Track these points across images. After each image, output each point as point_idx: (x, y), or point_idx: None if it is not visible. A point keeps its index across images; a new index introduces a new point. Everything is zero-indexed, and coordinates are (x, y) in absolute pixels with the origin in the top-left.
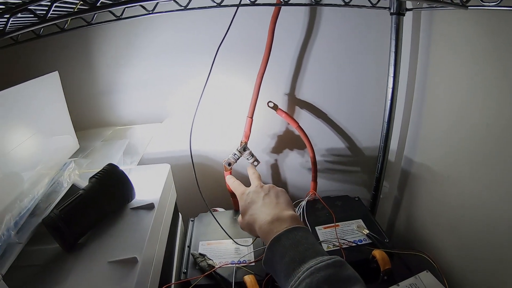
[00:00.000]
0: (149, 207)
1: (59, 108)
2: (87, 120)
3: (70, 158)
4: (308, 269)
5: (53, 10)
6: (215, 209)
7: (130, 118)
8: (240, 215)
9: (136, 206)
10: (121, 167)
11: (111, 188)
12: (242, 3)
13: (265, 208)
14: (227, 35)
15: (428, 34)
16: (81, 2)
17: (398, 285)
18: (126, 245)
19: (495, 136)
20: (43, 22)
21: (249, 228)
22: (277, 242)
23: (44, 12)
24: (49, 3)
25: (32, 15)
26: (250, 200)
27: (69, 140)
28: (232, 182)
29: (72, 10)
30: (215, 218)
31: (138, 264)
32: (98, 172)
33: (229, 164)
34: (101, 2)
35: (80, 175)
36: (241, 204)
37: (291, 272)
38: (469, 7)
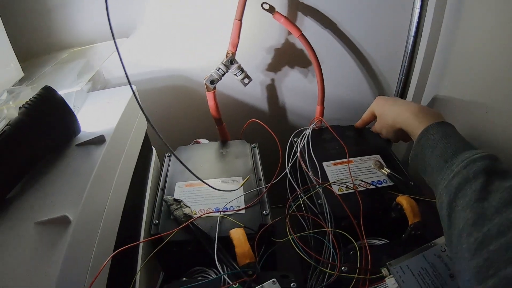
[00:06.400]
0: (99, 140)
1: None
2: (36, 45)
3: None
4: (463, 161)
5: None
6: (197, 141)
7: (89, 36)
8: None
9: (83, 141)
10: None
11: (46, 119)
12: None
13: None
14: None
15: None
16: None
17: (431, 244)
18: (61, 197)
19: None
20: None
21: (390, 107)
22: (425, 135)
23: None
24: None
25: None
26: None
27: (7, 66)
28: None
29: None
30: (180, 161)
31: (71, 225)
32: (29, 100)
33: (212, 82)
34: None
35: (17, 107)
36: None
37: (444, 164)
38: None
